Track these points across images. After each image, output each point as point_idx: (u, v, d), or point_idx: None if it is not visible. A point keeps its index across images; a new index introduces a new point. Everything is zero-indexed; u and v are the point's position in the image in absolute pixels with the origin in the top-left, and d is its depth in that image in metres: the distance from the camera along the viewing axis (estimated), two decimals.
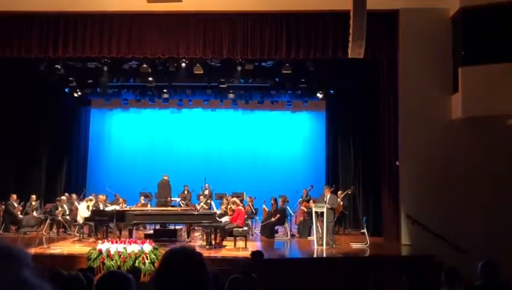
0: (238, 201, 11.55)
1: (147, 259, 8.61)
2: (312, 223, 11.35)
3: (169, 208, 12.18)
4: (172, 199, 13.46)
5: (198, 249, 1.62)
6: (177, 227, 11.90)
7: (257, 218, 13.63)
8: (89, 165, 16.96)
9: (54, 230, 12.39)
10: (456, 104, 10.66)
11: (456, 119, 10.72)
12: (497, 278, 4.13)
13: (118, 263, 8.52)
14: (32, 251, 9.01)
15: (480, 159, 10.46)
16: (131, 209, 11.54)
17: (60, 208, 12.50)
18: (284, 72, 13.16)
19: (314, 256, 10.00)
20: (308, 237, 12.10)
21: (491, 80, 10.06)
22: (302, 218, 12.70)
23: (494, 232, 9.67)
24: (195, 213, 11.02)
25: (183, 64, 13.20)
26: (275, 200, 12.89)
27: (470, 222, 10.03)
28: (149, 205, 13.32)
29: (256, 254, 6.88)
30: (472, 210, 10.19)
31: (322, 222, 10.41)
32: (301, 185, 14.05)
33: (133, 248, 8.77)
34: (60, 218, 12.32)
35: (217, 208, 12.74)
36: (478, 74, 10.16)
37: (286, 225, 12.55)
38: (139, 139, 17.21)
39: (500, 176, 10.30)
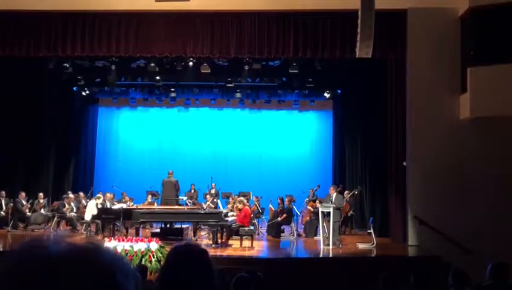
0: (244, 200, 11.55)
1: (154, 257, 8.63)
2: (318, 223, 11.33)
3: (176, 207, 12.20)
4: (179, 197, 13.47)
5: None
6: (183, 226, 11.92)
7: (263, 217, 13.61)
8: (96, 163, 17.04)
9: (62, 227, 12.48)
10: (464, 104, 10.59)
11: (464, 119, 10.65)
12: (506, 280, 4.09)
13: None
14: None
15: (488, 160, 10.38)
16: (138, 207, 11.58)
17: (67, 206, 12.58)
18: (291, 71, 13.14)
19: (321, 256, 9.99)
20: (315, 237, 12.06)
21: (499, 80, 9.98)
22: (308, 218, 12.67)
23: (501, 233, 9.59)
24: (202, 212, 11.03)
25: (191, 64, 13.24)
26: (282, 199, 12.86)
27: (477, 222, 9.95)
28: (156, 204, 13.34)
29: None
30: (479, 211, 10.10)
31: (329, 221, 10.38)
32: (308, 185, 14.02)
33: (140, 246, 8.78)
34: (70, 214, 12.40)
35: (224, 207, 12.75)
36: (487, 74, 10.08)
37: (292, 224, 12.52)
38: (146, 138, 17.27)
39: (508, 176, 10.21)
